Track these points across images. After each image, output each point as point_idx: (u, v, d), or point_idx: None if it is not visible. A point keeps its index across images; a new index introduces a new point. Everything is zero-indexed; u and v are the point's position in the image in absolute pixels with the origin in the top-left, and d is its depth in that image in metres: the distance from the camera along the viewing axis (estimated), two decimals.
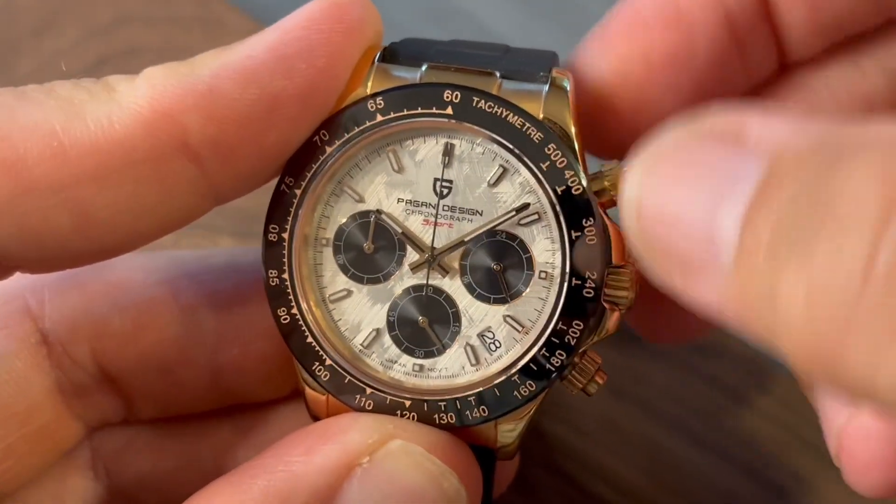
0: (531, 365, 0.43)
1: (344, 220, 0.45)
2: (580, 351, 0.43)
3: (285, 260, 0.44)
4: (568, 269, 0.42)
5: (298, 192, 0.44)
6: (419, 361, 0.45)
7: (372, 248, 0.45)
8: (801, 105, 0.47)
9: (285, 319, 0.45)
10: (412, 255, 0.45)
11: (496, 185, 0.44)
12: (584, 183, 0.42)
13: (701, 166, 0.35)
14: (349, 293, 0.45)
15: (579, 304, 0.43)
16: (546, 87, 0.43)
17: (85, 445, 0.51)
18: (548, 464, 0.62)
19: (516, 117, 0.42)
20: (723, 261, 0.33)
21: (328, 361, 0.45)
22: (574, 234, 0.42)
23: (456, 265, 0.44)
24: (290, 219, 0.44)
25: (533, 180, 0.43)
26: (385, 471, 0.41)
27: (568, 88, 0.43)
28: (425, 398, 0.44)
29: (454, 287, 0.45)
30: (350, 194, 0.45)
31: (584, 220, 0.42)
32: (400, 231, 0.44)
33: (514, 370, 0.43)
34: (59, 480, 0.50)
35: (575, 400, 0.63)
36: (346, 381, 0.45)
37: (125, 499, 0.52)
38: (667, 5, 0.46)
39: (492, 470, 0.46)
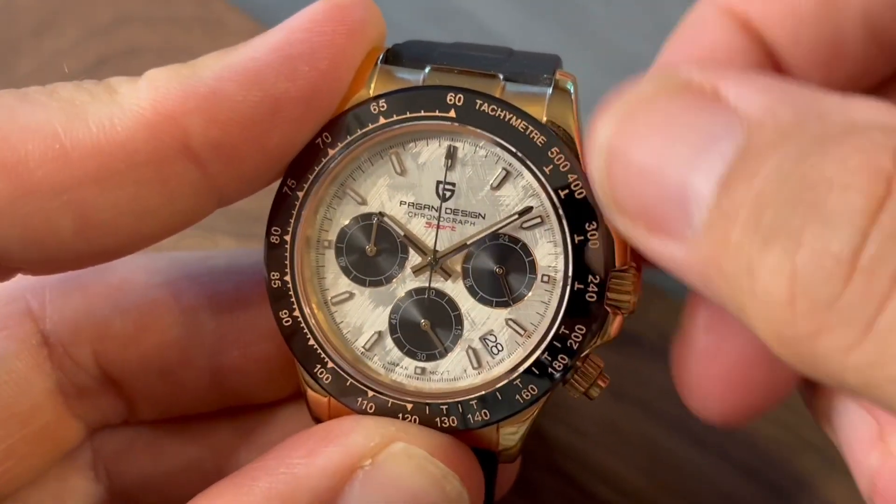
0: (533, 369, 0.43)
1: (346, 223, 0.45)
2: (582, 355, 0.43)
3: (287, 262, 0.44)
4: (571, 273, 0.42)
5: (301, 194, 0.44)
6: (421, 364, 0.45)
7: (374, 251, 0.45)
8: None
9: (287, 322, 0.45)
10: (414, 258, 0.45)
11: (499, 188, 0.44)
12: (588, 186, 0.42)
13: (677, 120, 0.35)
14: (351, 295, 0.45)
15: (582, 308, 0.43)
16: (549, 90, 0.43)
17: (86, 446, 0.51)
18: (548, 465, 0.63)
19: (519, 120, 0.42)
20: (694, 220, 0.34)
21: (330, 364, 0.45)
22: (577, 238, 0.42)
23: (458, 268, 0.44)
24: (292, 221, 0.44)
25: (536, 184, 0.43)
26: (387, 473, 0.41)
27: (571, 91, 0.43)
28: (427, 401, 0.44)
29: (456, 290, 0.45)
30: (352, 196, 0.45)
31: (586, 224, 0.42)
32: (402, 234, 0.44)
33: (516, 374, 0.43)
34: (59, 481, 0.50)
35: (575, 401, 0.63)
36: (347, 383, 0.45)
37: (126, 500, 0.52)
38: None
39: (494, 473, 0.46)
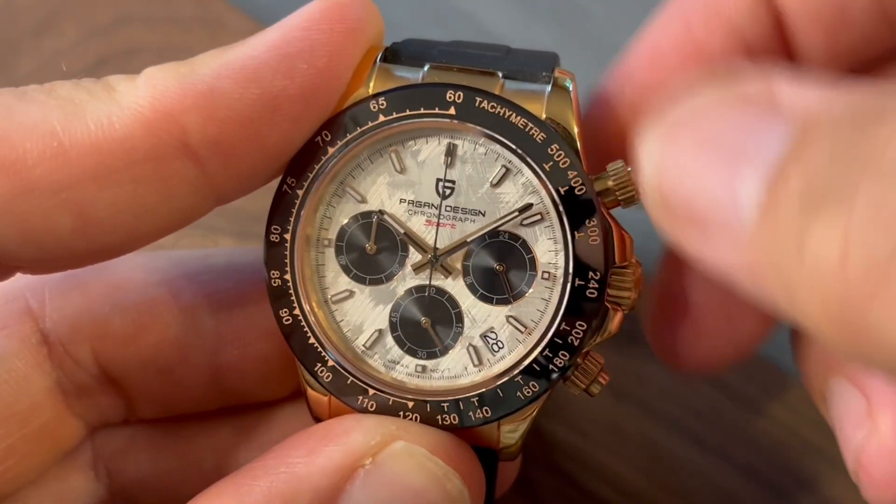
0: (534, 366, 0.43)
1: (346, 221, 0.45)
2: (583, 352, 0.43)
3: (287, 261, 0.44)
4: (571, 270, 0.42)
5: (300, 192, 0.44)
6: (422, 362, 0.45)
7: (374, 249, 0.45)
8: None
9: (287, 320, 0.45)
10: (414, 256, 0.45)
11: (499, 185, 0.44)
12: (588, 183, 0.42)
13: (731, 129, 0.34)
14: (351, 294, 0.45)
15: (582, 304, 0.43)
16: (549, 88, 0.43)
17: (86, 446, 0.51)
18: (549, 464, 0.62)
19: (519, 117, 0.42)
20: (743, 218, 0.33)
21: (330, 362, 0.45)
22: (577, 235, 0.42)
23: (458, 266, 0.44)
24: (291, 219, 0.44)
25: (536, 181, 0.43)
26: (388, 472, 0.41)
27: (570, 88, 0.43)
28: (428, 399, 0.44)
29: (457, 288, 0.45)
30: (352, 195, 0.45)
31: (587, 221, 0.42)
32: (402, 231, 0.44)
33: (516, 371, 0.43)
34: (59, 480, 0.50)
35: (575, 400, 0.63)
36: (348, 381, 0.44)
37: (126, 499, 0.52)
38: (685, 40, 0.45)
39: (494, 471, 0.46)
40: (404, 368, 0.45)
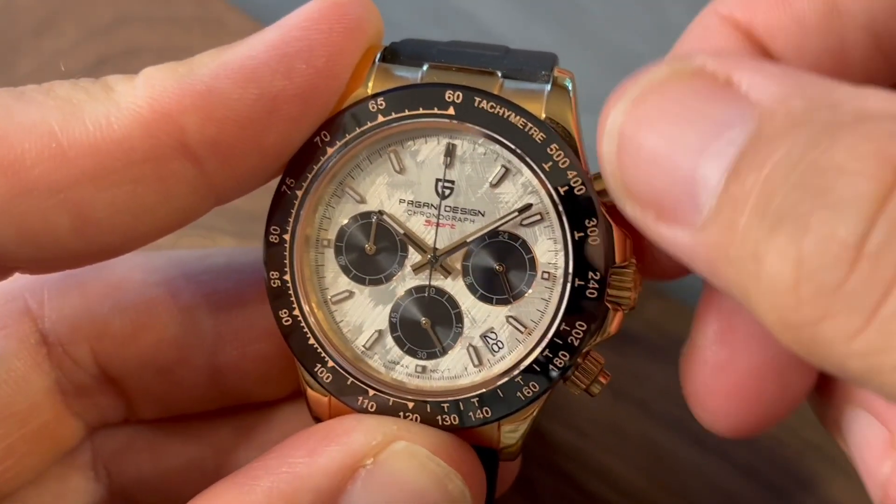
0: (534, 366, 0.43)
1: (345, 221, 0.45)
2: (583, 352, 0.43)
3: (287, 261, 0.44)
4: (571, 270, 0.42)
5: (300, 193, 0.44)
6: (422, 363, 0.45)
7: (374, 249, 0.45)
8: None
9: (287, 321, 0.45)
10: (414, 256, 0.45)
11: (498, 185, 0.44)
12: (587, 183, 0.42)
13: (689, 106, 0.34)
14: (351, 294, 0.45)
15: (583, 304, 0.42)
16: (548, 87, 0.43)
17: (85, 446, 0.51)
18: (548, 464, 0.63)
19: (518, 117, 0.42)
20: (703, 207, 0.33)
21: (330, 363, 0.44)
22: (577, 235, 0.42)
23: (458, 266, 0.44)
24: (291, 220, 0.44)
25: (535, 180, 0.42)
26: (389, 472, 0.41)
27: (570, 88, 0.43)
28: (428, 399, 0.44)
29: (456, 288, 0.45)
30: (351, 195, 0.45)
31: (586, 221, 0.42)
32: (402, 232, 0.44)
33: (517, 371, 0.43)
34: (59, 481, 0.50)
35: (575, 400, 0.63)
36: (348, 382, 0.44)
37: (125, 499, 0.52)
38: None
39: (495, 471, 0.46)
40: (404, 369, 0.45)
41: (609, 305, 0.43)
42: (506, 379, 0.43)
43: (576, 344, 0.43)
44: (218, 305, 0.50)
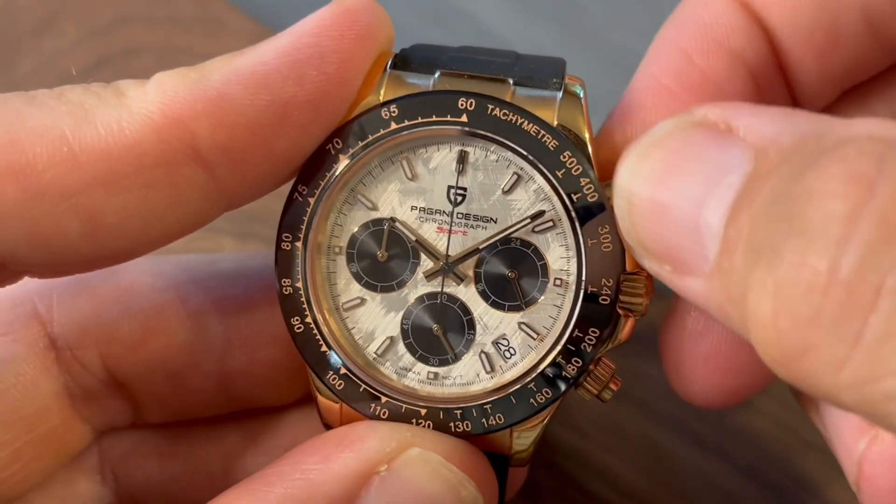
0: (547, 372, 0.43)
1: (357, 229, 0.45)
2: (596, 358, 0.43)
3: (299, 269, 0.44)
4: (583, 277, 0.43)
5: (312, 200, 0.44)
6: (434, 369, 0.45)
7: (385, 257, 0.45)
8: None
9: (299, 328, 0.45)
10: (426, 263, 0.45)
11: (510, 192, 0.44)
12: (600, 190, 0.42)
13: (690, 156, 0.35)
14: (363, 301, 0.45)
15: (595, 311, 0.43)
16: (560, 94, 0.43)
17: (93, 450, 0.51)
18: (549, 465, 0.63)
19: (531, 125, 0.42)
20: (708, 254, 0.34)
21: (342, 370, 0.44)
22: (590, 242, 0.42)
23: (470, 273, 0.44)
24: (303, 227, 0.44)
25: (548, 187, 0.43)
26: (403, 479, 0.41)
27: (581, 95, 0.43)
28: (441, 406, 0.44)
29: (469, 295, 0.45)
30: (363, 202, 0.45)
31: (599, 228, 0.42)
32: (414, 239, 0.44)
33: (529, 378, 0.43)
34: (67, 485, 0.50)
35: (575, 401, 0.63)
36: (360, 389, 0.44)
37: None
38: (689, 71, 0.44)
39: (505, 476, 0.46)
40: (416, 375, 0.45)
41: (621, 312, 0.43)
42: (518, 385, 0.44)
43: (588, 350, 0.43)
44: (227, 310, 0.50)
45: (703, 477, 0.62)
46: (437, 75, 0.44)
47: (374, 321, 0.45)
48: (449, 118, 0.43)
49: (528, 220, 0.43)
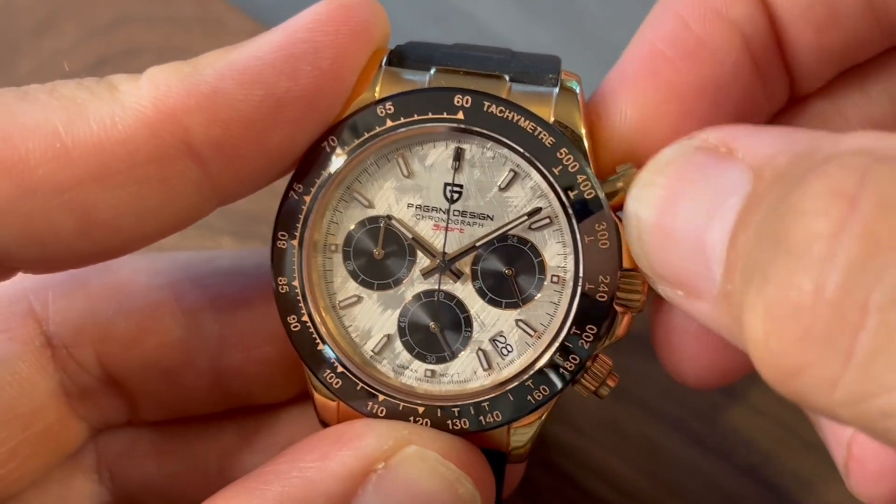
0: (544, 369, 0.43)
1: (353, 227, 0.45)
2: (593, 354, 0.43)
3: (295, 267, 0.44)
4: (581, 274, 0.42)
5: (307, 198, 0.44)
6: (431, 367, 0.45)
7: (382, 254, 0.45)
8: None
9: (295, 327, 0.45)
10: (423, 261, 0.45)
11: (507, 189, 0.44)
12: (597, 186, 0.42)
13: (692, 180, 0.35)
14: (359, 299, 0.45)
15: (592, 308, 0.43)
16: (556, 90, 0.43)
17: (89, 448, 0.51)
18: (548, 464, 0.63)
19: (527, 121, 0.42)
20: (714, 276, 0.34)
21: (339, 368, 0.44)
22: (587, 238, 0.42)
23: (467, 270, 0.44)
24: (299, 226, 0.44)
25: (545, 184, 0.43)
26: (401, 477, 0.41)
27: (577, 91, 0.43)
28: (438, 404, 0.44)
29: (465, 292, 0.45)
30: (359, 200, 0.45)
31: (596, 224, 0.42)
32: (410, 236, 0.44)
33: (527, 375, 0.43)
34: (63, 483, 0.50)
35: (575, 400, 0.63)
36: (357, 387, 0.44)
37: (130, 502, 0.52)
38: (684, 37, 0.44)
39: (502, 473, 0.46)
40: (413, 373, 0.45)
41: (618, 309, 0.43)
42: (515, 383, 0.44)
43: (586, 347, 0.43)
44: (222, 308, 0.50)
45: (702, 476, 0.62)
46: (432, 72, 0.44)
47: (370, 319, 0.45)
48: (445, 115, 0.43)
49: (525, 218, 0.43)
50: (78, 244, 0.40)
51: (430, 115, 0.43)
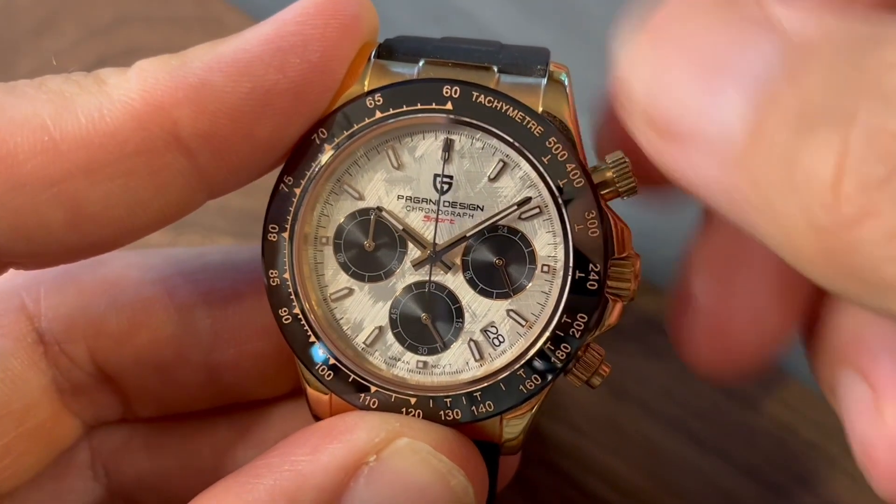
0: (536, 359, 0.43)
1: (344, 219, 0.45)
2: (584, 344, 0.43)
3: (286, 260, 0.44)
4: (571, 263, 0.42)
5: (298, 191, 0.44)
6: (423, 358, 0.45)
7: (373, 246, 0.45)
8: None
9: (287, 320, 0.45)
10: (414, 252, 0.45)
11: (497, 179, 0.43)
12: (586, 175, 0.42)
13: (723, 32, 0.34)
14: (351, 292, 0.45)
15: (583, 297, 0.42)
16: (544, 81, 0.43)
17: (83, 444, 0.51)
18: (548, 463, 0.62)
19: (516, 111, 0.42)
20: (729, 136, 0.32)
21: (331, 361, 0.44)
22: (577, 227, 0.42)
23: (458, 261, 0.44)
24: (289, 218, 0.44)
25: (534, 174, 0.42)
26: (392, 469, 0.41)
27: (566, 82, 0.43)
28: (430, 395, 0.44)
29: (456, 283, 0.44)
30: (350, 192, 0.45)
31: (586, 213, 0.42)
32: (401, 228, 0.44)
33: (518, 365, 0.43)
34: (57, 480, 0.50)
35: (575, 400, 0.63)
36: (349, 379, 0.44)
37: (124, 498, 0.52)
38: None
39: (496, 465, 0.46)
40: (405, 365, 0.45)
41: (609, 297, 0.43)
42: (507, 373, 0.43)
43: (577, 336, 0.43)
44: (214, 303, 0.50)
45: (702, 476, 0.62)
46: (421, 64, 0.44)
47: (362, 311, 0.45)
48: (434, 106, 0.43)
49: (515, 208, 0.43)
50: (68, 237, 0.40)
51: (419, 106, 0.43)
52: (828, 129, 0.29)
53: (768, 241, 0.33)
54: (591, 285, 0.42)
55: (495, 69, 0.43)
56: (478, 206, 0.44)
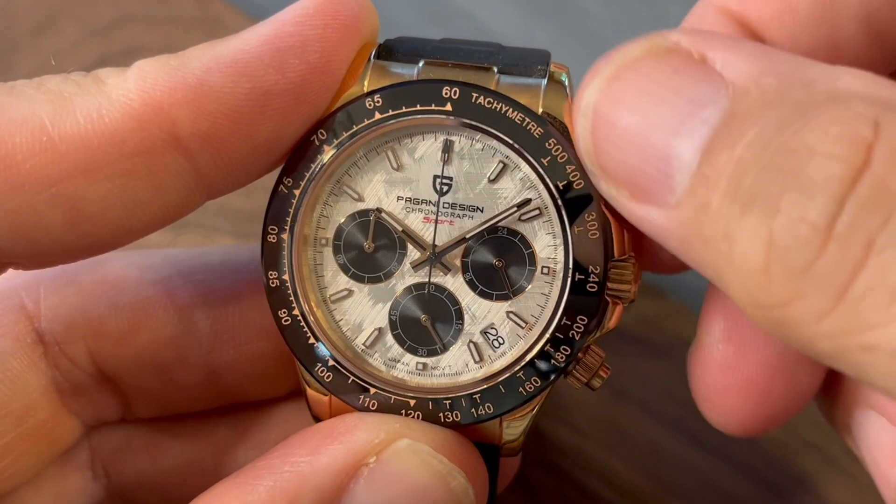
0: (536, 361, 0.43)
1: (343, 220, 0.45)
2: (584, 346, 0.43)
3: (285, 261, 0.44)
4: (571, 264, 0.42)
5: (297, 192, 0.44)
6: (422, 360, 0.45)
7: (372, 248, 0.45)
8: None
9: (286, 321, 0.45)
10: (413, 254, 0.44)
11: (496, 180, 0.43)
12: (586, 177, 0.42)
13: (663, 84, 0.35)
14: (350, 293, 0.45)
15: (583, 298, 0.42)
16: (544, 82, 0.43)
17: (83, 445, 0.51)
18: (548, 464, 0.62)
19: (516, 112, 0.42)
20: (676, 186, 0.34)
21: (331, 362, 0.44)
22: (576, 229, 0.42)
23: (457, 262, 0.44)
24: (289, 219, 0.44)
25: (534, 175, 0.42)
26: (392, 470, 0.41)
27: (566, 82, 0.43)
28: (430, 397, 0.44)
29: (456, 284, 0.44)
30: (349, 193, 0.45)
31: (586, 215, 0.42)
32: (400, 229, 0.44)
33: (518, 367, 0.43)
34: (57, 480, 0.50)
35: (575, 400, 0.63)
36: (349, 381, 0.44)
37: (124, 499, 0.52)
38: None
39: (496, 467, 0.46)
40: (405, 366, 0.45)
41: (609, 299, 0.42)
42: (507, 375, 0.43)
43: (577, 338, 0.43)
44: (214, 304, 0.50)
45: (702, 476, 0.62)
46: (421, 65, 0.44)
47: (361, 313, 0.45)
48: (433, 107, 0.43)
49: (515, 209, 0.43)
50: (67, 238, 0.40)
51: (419, 108, 0.43)
52: (757, 215, 0.31)
53: (719, 285, 0.34)
54: (591, 287, 0.42)
55: (495, 70, 0.43)
56: (477, 208, 0.44)
